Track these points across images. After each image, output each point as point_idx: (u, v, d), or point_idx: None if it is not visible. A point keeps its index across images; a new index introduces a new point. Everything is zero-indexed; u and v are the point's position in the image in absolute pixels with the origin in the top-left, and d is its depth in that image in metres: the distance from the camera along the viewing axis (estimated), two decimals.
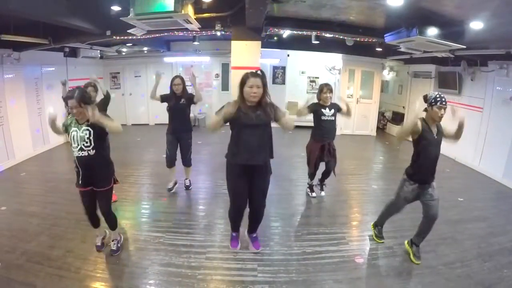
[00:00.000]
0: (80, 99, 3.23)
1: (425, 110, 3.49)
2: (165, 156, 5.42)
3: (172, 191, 5.53)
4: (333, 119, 5.03)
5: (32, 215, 4.59)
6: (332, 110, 5.01)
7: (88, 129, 3.32)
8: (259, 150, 3.37)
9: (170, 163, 5.42)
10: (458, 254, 3.84)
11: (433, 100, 3.36)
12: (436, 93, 3.42)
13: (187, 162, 5.47)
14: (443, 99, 3.34)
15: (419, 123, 3.42)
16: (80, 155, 3.35)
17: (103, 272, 3.42)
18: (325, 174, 5.33)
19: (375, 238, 4.14)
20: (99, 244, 3.85)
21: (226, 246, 3.94)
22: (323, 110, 4.98)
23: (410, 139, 3.57)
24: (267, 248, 3.91)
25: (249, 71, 3.34)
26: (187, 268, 3.52)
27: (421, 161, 3.50)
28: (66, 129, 3.40)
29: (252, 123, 3.29)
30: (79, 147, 3.32)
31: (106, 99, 5.05)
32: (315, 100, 5.06)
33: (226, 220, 4.22)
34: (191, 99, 5.21)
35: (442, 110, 3.35)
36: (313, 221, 4.69)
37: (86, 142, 3.33)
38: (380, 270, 3.59)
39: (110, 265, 3.55)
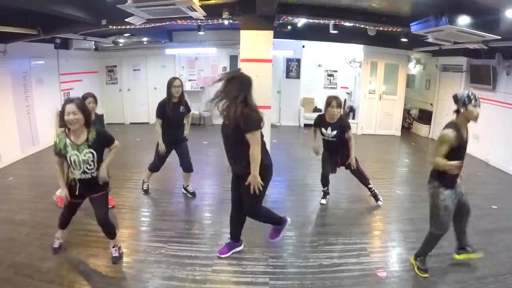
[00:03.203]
0: (81, 106, 3.34)
1: (457, 111, 3.39)
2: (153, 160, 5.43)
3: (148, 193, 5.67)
4: (334, 140, 4.97)
5: (21, 224, 4.62)
6: (335, 131, 4.91)
7: (91, 152, 3.39)
8: (235, 160, 3.63)
9: (157, 169, 5.49)
10: (491, 268, 3.81)
11: (466, 99, 3.27)
12: (467, 91, 3.39)
13: (188, 167, 5.40)
14: (477, 96, 3.30)
15: (452, 136, 3.29)
16: (83, 177, 3.45)
17: (99, 287, 3.44)
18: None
19: (417, 271, 3.70)
20: (56, 246, 3.96)
21: (234, 258, 3.96)
22: (323, 129, 4.99)
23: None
24: (280, 260, 3.94)
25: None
26: (191, 282, 3.54)
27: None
28: (60, 152, 3.41)
29: (224, 134, 3.60)
30: (81, 170, 3.41)
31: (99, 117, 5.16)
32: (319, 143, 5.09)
33: None
34: (188, 109, 5.30)
35: (478, 108, 3.28)
36: (331, 230, 4.69)
37: (90, 165, 3.42)
38: (404, 284, 3.58)
39: (106, 278, 3.57)
